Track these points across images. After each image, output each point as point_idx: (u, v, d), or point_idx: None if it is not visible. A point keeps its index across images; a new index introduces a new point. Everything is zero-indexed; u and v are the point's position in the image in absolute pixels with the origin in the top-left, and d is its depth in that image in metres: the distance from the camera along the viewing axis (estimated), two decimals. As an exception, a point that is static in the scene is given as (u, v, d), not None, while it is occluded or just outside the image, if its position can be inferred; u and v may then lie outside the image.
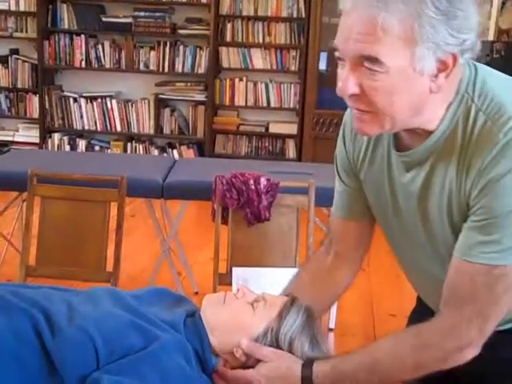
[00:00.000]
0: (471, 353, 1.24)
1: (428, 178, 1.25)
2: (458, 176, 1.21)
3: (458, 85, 1.20)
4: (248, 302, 1.44)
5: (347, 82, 1.15)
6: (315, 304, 1.51)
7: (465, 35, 1.12)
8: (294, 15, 5.80)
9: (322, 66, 5.93)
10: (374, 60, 1.11)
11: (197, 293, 3.54)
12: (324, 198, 3.08)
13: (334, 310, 3.38)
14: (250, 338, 1.39)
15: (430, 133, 1.23)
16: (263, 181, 2.77)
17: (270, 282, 2.66)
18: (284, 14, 5.81)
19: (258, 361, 1.38)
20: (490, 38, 4.71)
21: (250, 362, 1.39)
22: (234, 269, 2.68)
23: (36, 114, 6.18)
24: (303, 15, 5.75)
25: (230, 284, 2.65)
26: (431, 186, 1.25)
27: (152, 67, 5.99)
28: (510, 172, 1.14)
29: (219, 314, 1.43)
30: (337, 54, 1.18)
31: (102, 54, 6.04)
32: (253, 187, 2.74)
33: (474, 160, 1.18)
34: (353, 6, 1.12)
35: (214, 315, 1.43)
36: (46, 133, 6.19)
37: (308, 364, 1.34)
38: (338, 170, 1.50)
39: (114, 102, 6.10)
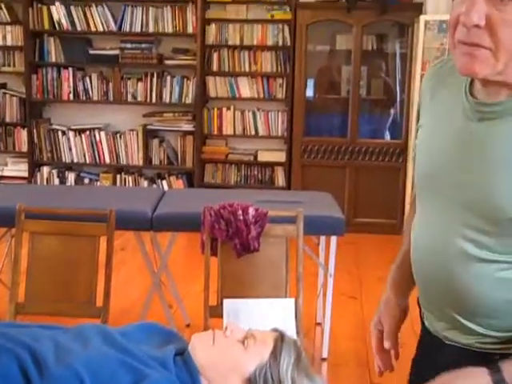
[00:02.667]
0: None
1: (505, 132, 1.19)
2: None
3: None
4: (238, 339, 1.43)
5: (474, 10, 1.10)
6: None
7: None
8: (280, 43, 5.85)
9: (309, 93, 5.98)
10: None
11: (189, 325, 3.52)
12: (313, 226, 3.10)
13: (326, 339, 3.36)
14: (242, 376, 1.38)
15: None
16: (251, 211, 2.77)
17: (261, 313, 2.66)
18: (270, 43, 5.86)
19: None
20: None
21: None
22: (224, 301, 2.67)
23: (25, 148, 6.18)
24: (288, 43, 5.80)
25: (221, 316, 2.64)
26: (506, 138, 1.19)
27: (140, 98, 6.02)
28: None
29: (210, 354, 1.42)
30: None
31: (89, 86, 6.06)
32: (241, 218, 2.74)
33: None
34: None
35: (205, 356, 1.41)
36: (34, 166, 6.19)
37: None
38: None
39: (102, 133, 6.11)
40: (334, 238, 3.26)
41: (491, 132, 1.20)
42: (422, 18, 5.09)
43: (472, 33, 1.12)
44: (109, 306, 2.66)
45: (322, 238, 3.46)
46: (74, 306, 2.67)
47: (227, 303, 2.66)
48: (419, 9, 5.36)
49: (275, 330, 1.48)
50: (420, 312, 1.48)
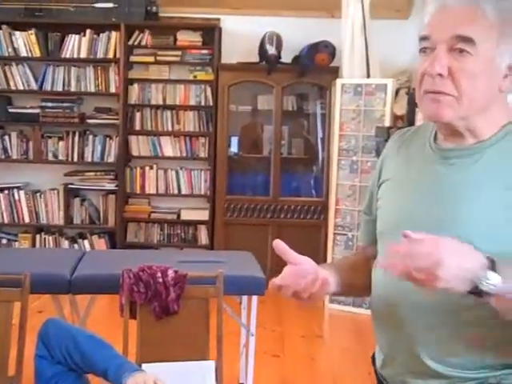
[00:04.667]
0: None
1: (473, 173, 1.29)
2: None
3: None
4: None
5: (437, 62, 1.24)
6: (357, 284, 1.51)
7: None
8: (202, 103, 5.93)
9: (232, 152, 6.05)
10: (468, 40, 1.22)
11: (108, 390, 3.42)
12: (234, 286, 3.11)
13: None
14: None
15: (479, 142, 1.30)
16: (171, 273, 2.76)
17: (181, 377, 2.63)
18: (192, 103, 5.94)
19: None
20: (387, 124, 4.95)
21: None
22: (143, 365, 2.62)
23: None
24: (211, 103, 5.89)
25: (140, 381, 2.58)
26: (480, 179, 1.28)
27: (61, 157, 5.94)
28: None
29: None
30: (424, 44, 1.28)
31: (8, 145, 5.95)
32: (160, 280, 2.72)
33: None
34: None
35: None
36: (-51, 227, 5.98)
37: None
38: (369, 201, 1.55)
39: (21, 193, 5.98)
40: (255, 298, 3.27)
41: (458, 174, 1.30)
42: (339, 81, 5.28)
43: (436, 81, 1.26)
44: (21, 376, 2.56)
45: (244, 298, 3.47)
46: (-15, 375, 2.56)
47: (146, 368, 2.61)
48: (336, 72, 5.56)
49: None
50: (375, 371, 1.49)
